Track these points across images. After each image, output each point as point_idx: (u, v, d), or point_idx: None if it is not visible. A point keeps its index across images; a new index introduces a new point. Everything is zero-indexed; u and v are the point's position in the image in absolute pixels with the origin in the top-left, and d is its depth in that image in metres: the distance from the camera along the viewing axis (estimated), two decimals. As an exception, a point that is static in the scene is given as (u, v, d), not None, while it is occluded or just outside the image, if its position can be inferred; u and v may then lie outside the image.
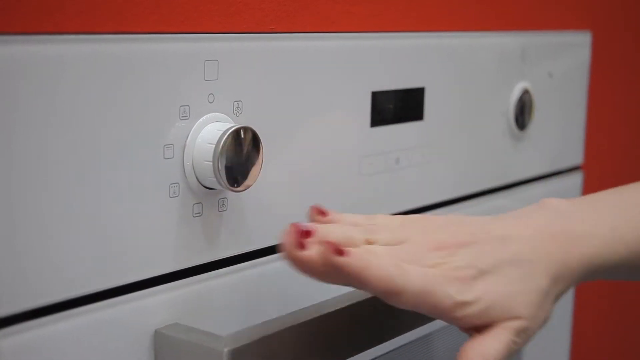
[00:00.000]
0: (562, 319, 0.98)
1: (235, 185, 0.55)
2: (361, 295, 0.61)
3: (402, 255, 0.55)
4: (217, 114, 0.56)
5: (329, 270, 0.53)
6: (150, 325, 0.53)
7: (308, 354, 0.56)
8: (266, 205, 0.60)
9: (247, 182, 0.55)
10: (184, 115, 0.54)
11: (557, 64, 0.91)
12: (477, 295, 0.55)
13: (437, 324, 0.73)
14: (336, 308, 0.58)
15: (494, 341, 0.54)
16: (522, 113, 0.85)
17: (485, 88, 0.81)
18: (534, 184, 0.89)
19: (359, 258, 0.52)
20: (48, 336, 0.48)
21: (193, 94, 0.55)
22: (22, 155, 0.46)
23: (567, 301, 0.99)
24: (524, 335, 0.56)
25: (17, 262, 0.47)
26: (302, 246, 0.53)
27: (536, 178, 0.90)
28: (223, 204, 0.57)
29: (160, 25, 0.53)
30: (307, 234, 0.54)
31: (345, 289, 0.64)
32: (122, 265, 0.52)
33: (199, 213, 0.56)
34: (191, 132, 0.54)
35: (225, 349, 0.51)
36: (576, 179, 0.97)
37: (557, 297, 0.60)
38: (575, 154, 0.97)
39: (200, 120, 0.55)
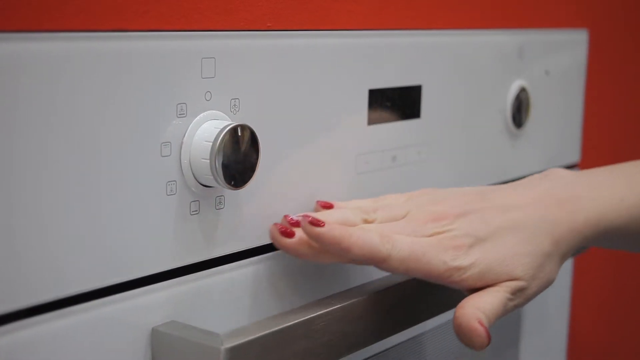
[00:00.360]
0: (560, 315, 0.99)
1: (233, 183, 0.55)
2: (359, 293, 0.61)
3: (397, 229, 0.60)
4: (214, 111, 0.56)
5: (315, 247, 0.58)
6: (148, 323, 0.53)
7: (306, 352, 0.56)
8: (263, 203, 0.60)
9: (244, 180, 0.55)
10: (181, 113, 0.54)
11: (554, 61, 0.91)
12: (472, 260, 0.59)
13: (427, 325, 0.74)
14: (334, 306, 0.58)
15: (489, 297, 0.58)
16: (519, 111, 0.85)
17: (482, 86, 0.81)
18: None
19: (336, 227, 0.57)
20: (45, 334, 0.48)
21: (190, 92, 0.54)
22: (19, 152, 0.46)
23: (565, 298, 0.99)
24: (522, 294, 0.60)
25: (13, 260, 0.47)
26: (289, 234, 0.59)
27: (533, 176, 0.90)
28: (220, 202, 0.57)
29: (157, 23, 0.53)
30: (297, 223, 0.59)
31: (343, 287, 0.64)
32: (119, 263, 0.52)
33: (196, 211, 0.56)
34: (188, 129, 0.54)
35: (223, 347, 0.51)
36: (573, 176, 0.97)
37: (563, 259, 0.62)
38: (572, 152, 0.97)
39: (198, 118, 0.55)
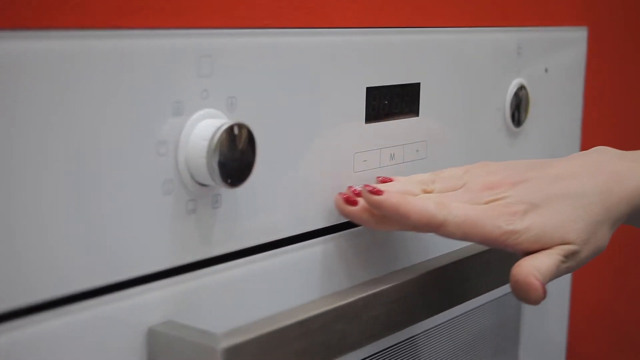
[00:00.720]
0: (559, 315, 0.98)
1: (229, 182, 0.54)
2: (356, 293, 0.61)
3: (455, 197, 0.65)
4: (211, 110, 0.56)
5: (376, 215, 0.63)
6: (144, 323, 0.53)
7: (303, 352, 0.56)
8: (260, 202, 0.60)
9: (241, 179, 0.55)
10: (178, 111, 0.54)
11: (554, 59, 0.91)
12: (527, 225, 0.62)
13: (424, 325, 0.73)
14: (331, 306, 0.58)
15: (543, 257, 0.61)
16: (518, 109, 0.85)
17: (481, 84, 0.81)
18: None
19: (394, 195, 0.62)
20: (40, 334, 0.48)
21: (186, 90, 0.54)
22: (11, 152, 0.46)
23: (564, 298, 0.99)
24: (574, 258, 0.63)
25: (9, 259, 0.46)
26: (352, 202, 0.64)
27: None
28: (217, 201, 0.57)
29: (154, 20, 0.52)
30: (360, 194, 0.64)
31: (340, 287, 0.64)
32: (115, 262, 0.52)
33: (193, 210, 0.55)
34: (185, 128, 0.54)
35: (220, 347, 0.51)
36: (572, 175, 0.97)
37: (614, 227, 0.65)
38: (571, 150, 0.97)
39: (194, 116, 0.55)
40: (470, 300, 0.75)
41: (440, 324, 0.77)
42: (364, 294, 0.61)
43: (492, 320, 0.85)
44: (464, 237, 0.62)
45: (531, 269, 0.60)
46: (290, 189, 0.62)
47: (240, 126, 0.55)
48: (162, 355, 0.53)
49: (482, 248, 0.73)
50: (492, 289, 0.77)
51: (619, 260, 1.10)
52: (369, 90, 0.68)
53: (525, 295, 0.60)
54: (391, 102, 0.70)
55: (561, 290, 0.98)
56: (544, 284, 0.60)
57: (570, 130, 0.96)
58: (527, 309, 0.91)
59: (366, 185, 0.63)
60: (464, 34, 0.78)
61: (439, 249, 0.72)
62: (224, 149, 0.54)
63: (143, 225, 0.53)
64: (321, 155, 0.64)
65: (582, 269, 1.02)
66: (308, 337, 0.56)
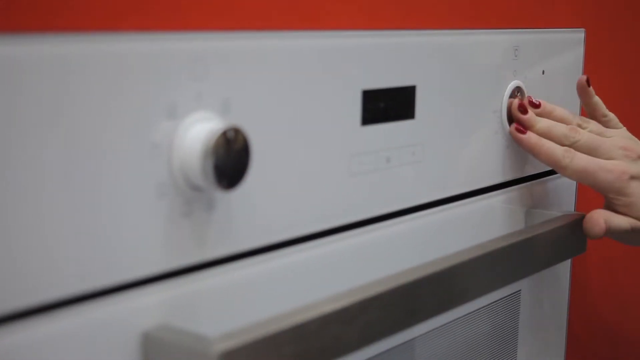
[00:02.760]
0: (558, 316, 0.98)
1: (224, 185, 0.54)
2: (352, 296, 0.61)
3: (601, 142, 0.83)
4: (205, 113, 0.55)
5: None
6: (138, 327, 0.53)
7: (299, 355, 0.56)
8: (255, 205, 0.60)
9: (235, 182, 0.55)
10: (172, 114, 0.54)
11: (551, 62, 0.91)
12: (630, 191, 0.80)
13: (420, 329, 0.73)
14: (327, 309, 0.58)
15: (620, 219, 0.82)
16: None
17: (477, 86, 0.81)
18: (527, 184, 0.89)
19: (533, 137, 0.81)
20: (33, 338, 0.48)
21: (181, 93, 0.54)
22: (5, 155, 0.46)
23: (563, 299, 0.99)
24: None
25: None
26: (522, 132, 0.82)
27: (529, 177, 0.89)
28: (212, 204, 0.57)
29: (147, 23, 0.52)
30: (535, 106, 0.84)
31: (335, 290, 0.64)
32: (109, 265, 0.51)
33: (187, 213, 0.55)
34: (179, 131, 0.54)
35: (214, 351, 0.51)
36: (570, 177, 0.97)
37: None
38: (569, 153, 0.96)
39: (188, 119, 0.54)
40: (468, 304, 0.74)
41: (437, 328, 0.77)
42: (360, 297, 0.61)
43: (489, 323, 0.85)
44: (579, 181, 0.82)
45: (601, 218, 0.81)
46: (285, 192, 0.62)
47: (235, 129, 0.54)
48: (157, 359, 0.53)
49: (479, 251, 0.73)
50: (489, 292, 0.77)
51: (617, 262, 1.10)
52: (365, 93, 0.67)
53: (590, 230, 0.81)
54: (387, 105, 0.70)
55: (560, 293, 0.98)
56: (607, 230, 0.80)
57: (568, 133, 0.96)
58: (525, 311, 0.91)
59: (516, 126, 0.82)
60: (460, 36, 0.78)
61: (437, 252, 0.72)
62: (218, 153, 0.53)
63: (137, 229, 0.53)
64: (316, 159, 0.64)
65: (581, 270, 1.02)
66: (303, 340, 0.56)
